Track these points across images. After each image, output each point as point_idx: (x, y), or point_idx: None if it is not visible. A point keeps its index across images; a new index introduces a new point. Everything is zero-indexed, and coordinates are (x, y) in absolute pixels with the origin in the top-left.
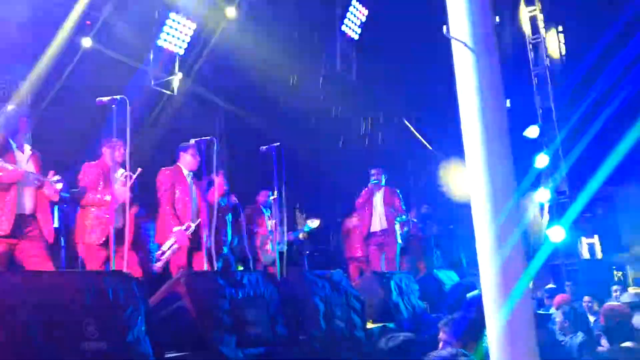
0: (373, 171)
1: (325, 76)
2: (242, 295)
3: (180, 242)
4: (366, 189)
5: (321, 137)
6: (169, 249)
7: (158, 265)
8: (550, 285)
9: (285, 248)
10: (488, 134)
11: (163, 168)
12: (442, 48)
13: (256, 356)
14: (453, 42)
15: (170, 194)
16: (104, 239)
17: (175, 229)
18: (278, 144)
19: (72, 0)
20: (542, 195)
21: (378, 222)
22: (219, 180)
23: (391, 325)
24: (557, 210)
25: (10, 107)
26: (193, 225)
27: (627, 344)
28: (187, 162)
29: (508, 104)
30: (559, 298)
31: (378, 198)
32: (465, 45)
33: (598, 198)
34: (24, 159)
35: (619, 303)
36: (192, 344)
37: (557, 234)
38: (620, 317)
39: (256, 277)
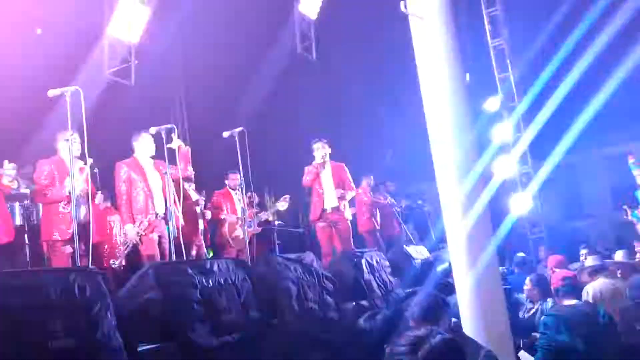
0: (315, 145)
1: (285, 58)
2: (213, 283)
3: (132, 239)
4: (311, 166)
5: (285, 118)
6: (124, 246)
7: (115, 264)
8: (520, 254)
9: (256, 231)
10: (449, 106)
11: (118, 162)
12: (403, 25)
13: (230, 343)
14: (411, 17)
15: (126, 188)
16: (68, 235)
17: (128, 226)
18: (241, 128)
19: None
20: (505, 166)
21: (328, 200)
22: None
23: (364, 303)
24: (520, 180)
25: None
26: (145, 221)
27: (572, 301)
28: (142, 151)
29: (468, 78)
30: (555, 259)
31: (326, 175)
32: (422, 20)
33: (560, 166)
34: None
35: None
36: (164, 334)
37: (521, 204)
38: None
39: (226, 264)
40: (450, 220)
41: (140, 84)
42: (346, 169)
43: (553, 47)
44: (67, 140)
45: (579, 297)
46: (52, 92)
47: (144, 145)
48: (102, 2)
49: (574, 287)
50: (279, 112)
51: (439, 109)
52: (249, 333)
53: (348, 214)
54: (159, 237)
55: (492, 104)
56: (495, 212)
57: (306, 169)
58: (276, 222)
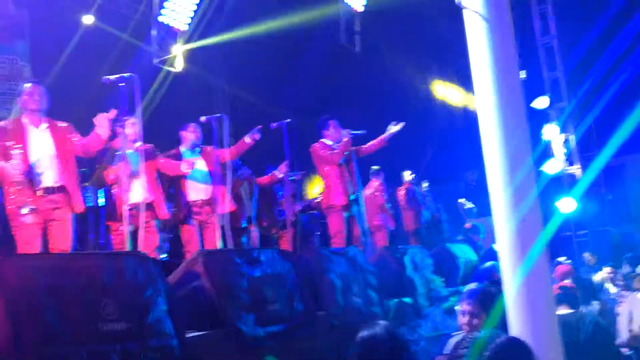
0: (333, 122)
1: (329, 49)
2: (259, 273)
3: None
4: (332, 143)
5: (328, 111)
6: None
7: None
8: (561, 259)
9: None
10: (503, 104)
11: (160, 155)
12: (452, 18)
13: (276, 333)
14: (465, 11)
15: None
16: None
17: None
18: (289, 120)
19: None
20: (552, 166)
21: (352, 189)
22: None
23: (407, 300)
24: (567, 181)
25: (26, 84)
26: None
27: (564, 310)
28: (188, 140)
29: (524, 74)
30: (561, 269)
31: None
32: (478, 14)
33: (607, 168)
34: (39, 134)
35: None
36: (211, 322)
37: (567, 205)
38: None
39: (272, 254)
40: (499, 215)
41: (186, 72)
42: None
43: (603, 46)
44: (124, 126)
45: (573, 307)
46: (107, 79)
47: (190, 135)
48: None
49: (567, 297)
50: (322, 104)
51: (492, 106)
52: (293, 324)
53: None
54: (201, 222)
55: (540, 103)
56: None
57: (323, 146)
58: (316, 213)
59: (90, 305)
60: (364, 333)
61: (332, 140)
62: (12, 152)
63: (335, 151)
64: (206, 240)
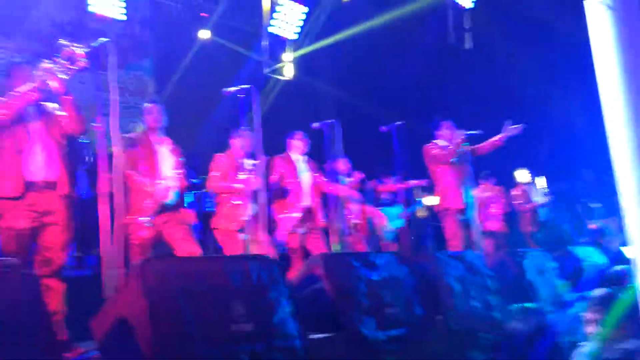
0: (446, 123)
1: (437, 48)
2: (377, 277)
3: (284, 229)
4: (444, 143)
5: (439, 111)
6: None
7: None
8: None
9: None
10: (631, 96)
11: (274, 156)
12: (570, 9)
13: (396, 337)
14: (586, 2)
15: (279, 181)
16: (240, 225)
17: (280, 216)
18: (400, 122)
19: None
20: None
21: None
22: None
23: (530, 305)
24: None
25: (147, 104)
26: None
27: None
28: (296, 148)
29: None
30: None
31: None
32: (602, 3)
33: None
34: (163, 151)
35: None
36: (332, 325)
37: None
38: None
39: (389, 258)
40: (630, 210)
41: (295, 80)
42: None
43: None
44: (240, 137)
45: None
46: (227, 91)
47: (297, 142)
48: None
49: None
50: (432, 105)
51: (620, 100)
52: (413, 328)
53: None
54: (311, 229)
55: None
56: None
57: (436, 146)
58: (426, 218)
59: (221, 306)
60: (509, 325)
61: (446, 141)
62: (143, 165)
63: (448, 148)
64: (312, 245)
